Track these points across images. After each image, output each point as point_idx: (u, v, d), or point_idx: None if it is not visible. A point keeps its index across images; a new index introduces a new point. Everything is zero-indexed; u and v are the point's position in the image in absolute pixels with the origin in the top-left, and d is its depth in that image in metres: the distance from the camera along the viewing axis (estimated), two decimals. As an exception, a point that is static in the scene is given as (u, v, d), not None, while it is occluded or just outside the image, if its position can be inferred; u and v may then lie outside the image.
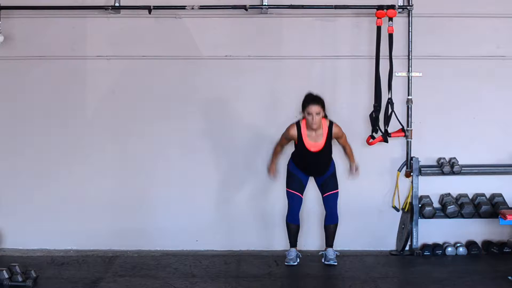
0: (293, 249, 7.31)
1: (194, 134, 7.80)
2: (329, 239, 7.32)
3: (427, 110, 7.77)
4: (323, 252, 7.33)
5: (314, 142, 7.09)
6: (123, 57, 7.79)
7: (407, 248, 7.71)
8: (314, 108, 6.97)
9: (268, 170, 7.46)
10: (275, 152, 7.40)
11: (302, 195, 7.26)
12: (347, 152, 7.38)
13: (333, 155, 7.29)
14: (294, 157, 7.28)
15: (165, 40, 7.78)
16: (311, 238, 7.78)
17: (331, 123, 7.12)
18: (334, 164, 7.31)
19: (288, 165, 7.33)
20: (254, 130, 7.75)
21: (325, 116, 7.13)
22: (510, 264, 7.28)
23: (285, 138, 7.22)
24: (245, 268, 7.27)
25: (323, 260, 7.28)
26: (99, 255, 7.67)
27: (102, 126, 7.81)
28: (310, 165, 7.21)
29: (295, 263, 7.24)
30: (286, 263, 7.23)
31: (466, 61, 7.79)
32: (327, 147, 7.14)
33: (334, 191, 7.26)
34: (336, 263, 7.21)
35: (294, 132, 7.10)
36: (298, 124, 7.12)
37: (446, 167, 7.68)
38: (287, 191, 7.26)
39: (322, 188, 7.30)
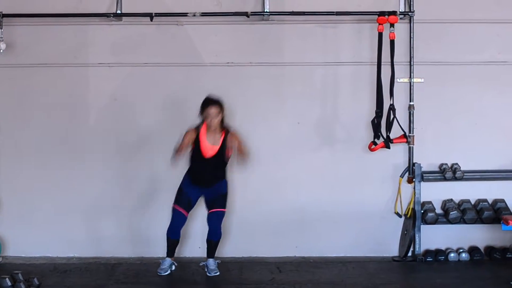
0: (168, 259, 7.31)
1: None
2: (211, 252, 7.32)
3: (429, 116, 7.78)
4: (204, 263, 7.31)
5: (211, 145, 7.08)
6: (125, 65, 7.80)
7: (409, 254, 7.71)
8: (212, 109, 7.00)
9: (175, 152, 7.20)
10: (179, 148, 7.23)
11: (187, 213, 7.23)
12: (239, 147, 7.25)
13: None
14: (189, 170, 7.24)
15: (167, 47, 7.79)
16: (313, 243, 7.77)
17: (227, 130, 7.13)
18: (227, 184, 7.28)
19: (181, 182, 7.27)
20: (255, 136, 7.74)
21: (224, 123, 7.13)
22: (513, 270, 7.30)
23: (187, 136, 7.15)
24: (247, 274, 7.27)
25: (205, 270, 7.26)
26: (102, 262, 7.67)
27: (104, 133, 7.82)
28: (202, 175, 7.16)
29: (166, 273, 7.22)
30: (158, 273, 7.21)
31: (468, 67, 7.80)
32: (221, 152, 7.10)
33: (221, 209, 7.22)
34: (218, 273, 7.21)
35: (193, 133, 7.10)
36: (197, 127, 7.13)
37: (448, 173, 7.68)
38: (173, 207, 7.23)
39: (210, 204, 7.24)
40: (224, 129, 7.13)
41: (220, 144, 7.09)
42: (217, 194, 7.23)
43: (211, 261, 7.28)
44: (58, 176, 7.83)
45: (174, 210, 7.22)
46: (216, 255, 7.40)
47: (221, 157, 7.14)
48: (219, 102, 7.09)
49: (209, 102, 7.07)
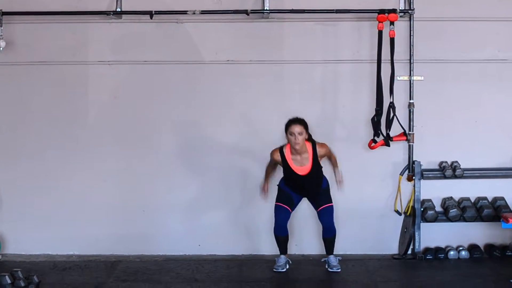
0: (283, 256, 7.31)
1: (196, 138, 7.81)
2: (329, 249, 7.32)
3: (429, 114, 7.78)
4: (325, 259, 7.32)
5: (300, 166, 7.08)
6: (125, 62, 7.80)
7: (409, 252, 7.71)
8: (296, 128, 6.96)
9: (261, 189, 7.45)
10: (266, 172, 7.40)
11: (290, 209, 7.22)
12: (332, 162, 7.39)
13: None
14: (285, 179, 7.26)
15: (167, 45, 7.79)
16: (311, 242, 7.78)
17: (314, 144, 7.11)
18: (326, 181, 7.28)
19: (278, 183, 7.31)
20: (256, 134, 7.74)
21: (309, 139, 7.11)
22: (513, 268, 7.30)
23: (273, 160, 7.23)
24: (247, 272, 7.28)
25: (327, 267, 7.27)
26: (102, 260, 7.68)
27: (104, 131, 7.82)
28: (301, 187, 7.20)
29: (284, 270, 7.24)
30: (274, 269, 7.22)
31: (468, 64, 7.79)
32: (315, 168, 7.10)
33: (328, 205, 7.21)
34: (339, 270, 7.20)
35: (277, 157, 7.12)
36: (281, 149, 7.13)
37: (448, 170, 7.68)
38: (275, 205, 7.24)
39: (315, 203, 7.26)
40: (310, 142, 7.09)
41: (310, 163, 7.07)
42: (319, 192, 7.20)
43: (332, 258, 7.26)
44: (58, 174, 7.83)
45: (277, 207, 7.20)
46: (213, 252, 7.40)
47: (316, 171, 7.11)
48: (303, 120, 7.04)
49: (292, 121, 7.01)
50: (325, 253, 7.37)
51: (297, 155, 7.07)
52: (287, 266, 7.29)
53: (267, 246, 7.73)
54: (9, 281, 6.53)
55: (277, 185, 7.30)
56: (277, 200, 7.24)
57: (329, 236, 7.26)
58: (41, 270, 7.19)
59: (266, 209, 7.61)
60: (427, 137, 7.77)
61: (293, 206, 7.28)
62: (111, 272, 7.27)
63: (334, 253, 7.33)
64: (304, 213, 7.69)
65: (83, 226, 7.82)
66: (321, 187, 7.22)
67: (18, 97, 7.82)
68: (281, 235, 7.27)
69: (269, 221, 7.60)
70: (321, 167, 7.19)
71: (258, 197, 7.63)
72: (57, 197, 7.83)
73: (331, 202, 7.23)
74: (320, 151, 7.11)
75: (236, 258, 7.72)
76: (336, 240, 7.37)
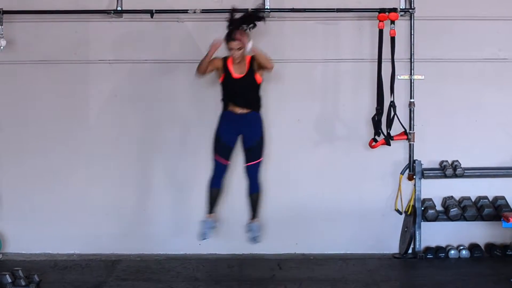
0: (207, 218, 7.16)
1: (197, 137, 7.80)
2: (252, 210, 7.20)
3: (429, 113, 7.78)
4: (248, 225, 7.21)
5: (238, 73, 7.07)
6: (126, 61, 7.80)
7: (410, 251, 7.71)
8: (234, 44, 6.94)
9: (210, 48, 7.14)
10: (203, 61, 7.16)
11: (227, 162, 7.13)
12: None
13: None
14: (222, 102, 7.15)
15: (168, 44, 7.79)
16: (312, 241, 7.78)
17: (253, 57, 7.09)
18: (261, 122, 7.14)
19: (216, 129, 7.13)
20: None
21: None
22: (513, 267, 7.31)
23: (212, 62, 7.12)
24: (248, 271, 7.28)
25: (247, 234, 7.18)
26: (102, 259, 7.68)
27: (104, 130, 7.82)
28: (235, 94, 7.07)
29: (208, 238, 7.15)
30: (200, 239, 7.15)
31: (468, 63, 7.79)
32: (251, 74, 7.06)
33: (257, 161, 7.12)
34: (257, 242, 7.15)
35: (219, 63, 7.10)
36: (224, 58, 7.13)
37: (449, 170, 7.68)
38: (212, 157, 7.13)
39: (247, 154, 7.13)
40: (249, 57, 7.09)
41: (247, 66, 7.08)
42: (254, 140, 7.11)
43: (255, 224, 7.17)
44: (58, 172, 7.83)
45: (214, 160, 7.14)
46: (216, 252, 7.38)
47: (251, 78, 7.08)
48: (243, 34, 6.99)
49: (230, 36, 6.98)
50: (324, 251, 7.37)
51: (236, 65, 7.08)
52: (213, 227, 7.17)
53: (268, 245, 7.72)
54: (9, 280, 6.54)
55: (215, 132, 7.13)
56: (214, 151, 7.11)
57: (253, 192, 7.18)
58: (41, 269, 7.19)
59: (266, 208, 7.61)
60: (427, 136, 7.77)
61: (230, 155, 7.13)
62: (111, 271, 7.27)
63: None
64: (305, 212, 7.68)
65: (83, 225, 7.82)
66: (256, 125, 7.11)
67: (19, 96, 7.82)
68: (215, 187, 7.15)
69: (270, 220, 7.61)
70: (259, 84, 7.13)
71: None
72: (57, 196, 7.82)
73: (261, 157, 7.13)
74: (254, 62, 7.05)
75: (237, 257, 7.72)
76: (336, 238, 7.37)
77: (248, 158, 7.15)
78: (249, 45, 6.89)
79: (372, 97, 7.63)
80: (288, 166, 7.81)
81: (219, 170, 7.15)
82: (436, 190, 7.81)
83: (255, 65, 7.08)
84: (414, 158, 7.74)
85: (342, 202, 7.67)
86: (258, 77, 7.13)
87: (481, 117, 7.82)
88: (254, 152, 7.13)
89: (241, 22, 7.05)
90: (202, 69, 7.11)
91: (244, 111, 7.10)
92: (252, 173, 7.17)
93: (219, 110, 7.51)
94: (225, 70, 7.12)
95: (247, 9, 7.49)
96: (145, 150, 7.84)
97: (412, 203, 7.71)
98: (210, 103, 7.76)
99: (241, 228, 7.50)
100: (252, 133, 7.13)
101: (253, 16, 7.14)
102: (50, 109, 7.81)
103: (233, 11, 7.09)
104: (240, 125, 7.12)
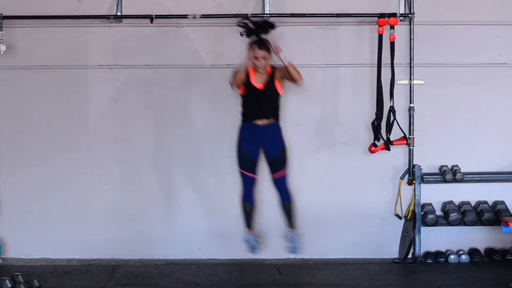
0: (249, 234, 7.21)
1: (196, 143, 7.81)
2: (288, 220, 7.18)
3: (429, 117, 7.78)
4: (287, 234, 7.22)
5: (259, 83, 7.02)
6: (125, 66, 7.80)
7: (409, 256, 7.71)
8: (261, 53, 6.93)
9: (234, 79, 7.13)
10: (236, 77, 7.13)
11: (255, 175, 7.11)
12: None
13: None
14: (242, 115, 7.07)
15: (167, 49, 7.79)
16: (311, 246, 7.76)
17: (274, 67, 7.08)
18: (281, 132, 7.09)
19: (237, 143, 7.09)
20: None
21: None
22: (513, 272, 7.31)
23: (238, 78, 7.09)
24: (248, 277, 7.28)
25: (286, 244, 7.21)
26: (102, 264, 7.67)
27: (104, 136, 7.82)
28: (256, 106, 7.01)
29: (257, 250, 7.24)
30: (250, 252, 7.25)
31: (468, 68, 7.80)
32: (273, 84, 7.02)
33: (282, 171, 7.10)
34: (297, 253, 7.22)
35: (242, 75, 7.04)
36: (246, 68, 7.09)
37: (449, 174, 7.68)
38: (239, 171, 7.11)
39: (271, 165, 7.11)
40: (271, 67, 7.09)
41: (268, 78, 7.05)
42: (277, 150, 7.06)
43: (292, 234, 7.16)
44: (58, 178, 7.83)
45: (242, 174, 7.12)
46: (216, 257, 7.36)
47: (273, 87, 7.04)
48: (268, 46, 6.99)
49: (258, 44, 6.98)
50: (325, 256, 7.37)
51: (258, 75, 7.04)
52: (257, 242, 7.21)
53: (268, 250, 7.72)
54: (9, 285, 6.55)
55: (237, 146, 7.10)
56: (240, 166, 7.10)
57: (285, 202, 7.17)
58: (41, 274, 7.19)
59: (266, 212, 7.61)
60: (427, 141, 7.77)
61: (255, 167, 7.10)
62: (111, 276, 7.27)
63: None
64: (305, 217, 7.67)
65: (83, 230, 7.82)
66: (277, 136, 7.06)
67: (19, 101, 7.82)
68: (248, 202, 7.16)
69: (269, 224, 7.61)
70: (279, 95, 7.09)
71: (258, 200, 7.64)
72: (57, 201, 7.82)
73: (285, 167, 7.10)
74: (277, 72, 7.05)
75: (237, 262, 7.72)
76: (336, 243, 7.37)
77: (273, 169, 7.13)
78: (284, 55, 6.89)
79: (371, 102, 7.64)
80: (287, 170, 7.80)
81: (248, 184, 7.13)
82: (435, 195, 7.81)
83: (278, 75, 7.06)
84: (414, 163, 7.74)
85: (341, 207, 7.67)
86: (279, 86, 7.10)
87: (481, 122, 7.82)
88: (279, 162, 7.10)
89: (260, 31, 7.04)
90: (239, 81, 7.05)
91: (266, 122, 7.05)
92: (280, 184, 7.15)
93: (216, 112, 7.56)
94: (246, 81, 7.07)
95: (247, 14, 7.50)
96: (145, 155, 7.84)
97: (411, 208, 7.71)
98: (210, 108, 7.78)
99: (240, 233, 7.50)
100: (274, 144, 7.09)
101: (268, 24, 7.11)
102: (50, 114, 7.81)
103: (247, 19, 7.07)
104: (262, 137, 7.05)
